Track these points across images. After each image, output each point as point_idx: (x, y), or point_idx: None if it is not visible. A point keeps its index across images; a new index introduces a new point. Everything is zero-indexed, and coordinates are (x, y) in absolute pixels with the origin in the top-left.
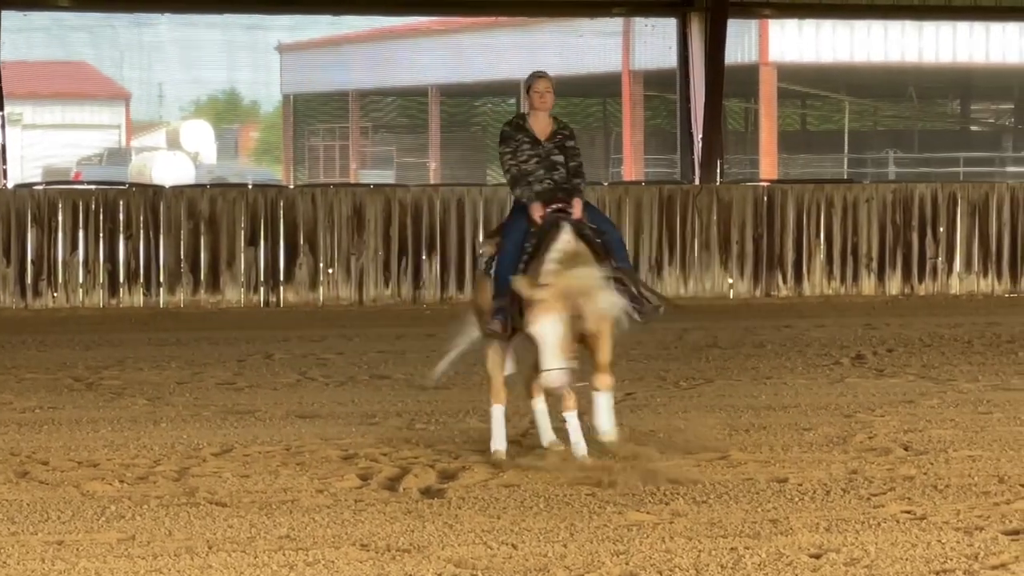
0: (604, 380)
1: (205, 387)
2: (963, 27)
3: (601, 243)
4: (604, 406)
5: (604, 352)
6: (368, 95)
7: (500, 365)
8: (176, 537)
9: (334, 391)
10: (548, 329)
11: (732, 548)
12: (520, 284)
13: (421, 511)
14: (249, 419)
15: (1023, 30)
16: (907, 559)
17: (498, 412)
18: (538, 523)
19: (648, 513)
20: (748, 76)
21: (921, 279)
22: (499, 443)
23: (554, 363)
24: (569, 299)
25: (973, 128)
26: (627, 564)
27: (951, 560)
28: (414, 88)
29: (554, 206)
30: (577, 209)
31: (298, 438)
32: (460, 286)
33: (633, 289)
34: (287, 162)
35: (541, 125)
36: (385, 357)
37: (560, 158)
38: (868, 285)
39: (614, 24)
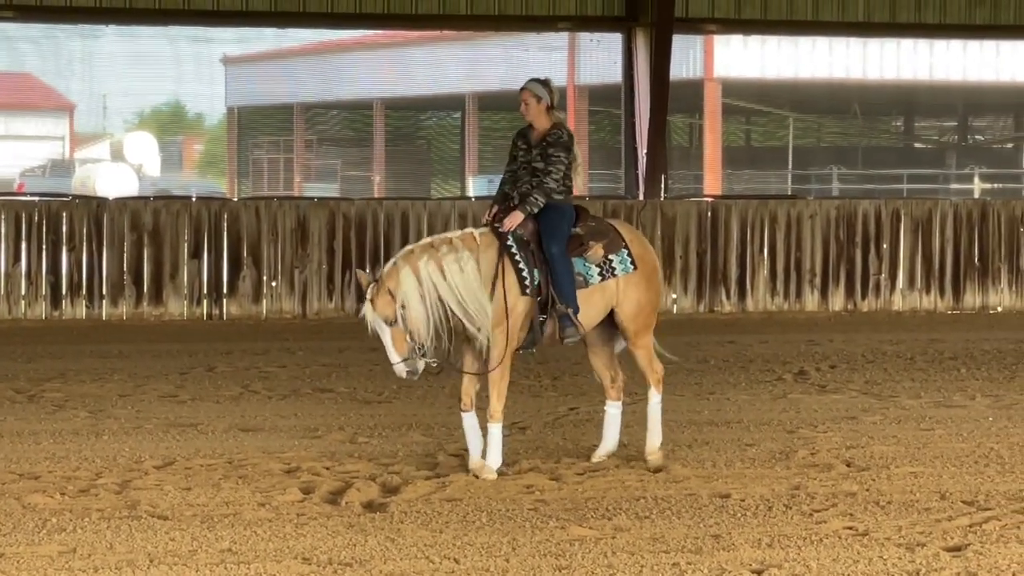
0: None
1: (147, 400)
2: (907, 44)
3: (524, 258)
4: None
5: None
6: (313, 108)
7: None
8: (117, 550)
9: (277, 404)
10: (376, 324)
11: (674, 563)
12: (359, 275)
13: (363, 525)
14: (191, 432)
15: (967, 48)
16: (849, 575)
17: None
18: (480, 537)
19: (590, 528)
20: (693, 92)
21: (864, 295)
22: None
23: (392, 358)
24: (391, 296)
25: (917, 145)
26: None
27: None
28: (359, 101)
29: (491, 216)
30: (508, 222)
31: (240, 451)
32: None
33: (561, 309)
34: (231, 175)
35: (539, 132)
36: (328, 371)
37: (540, 164)
38: (811, 301)
39: (559, 39)
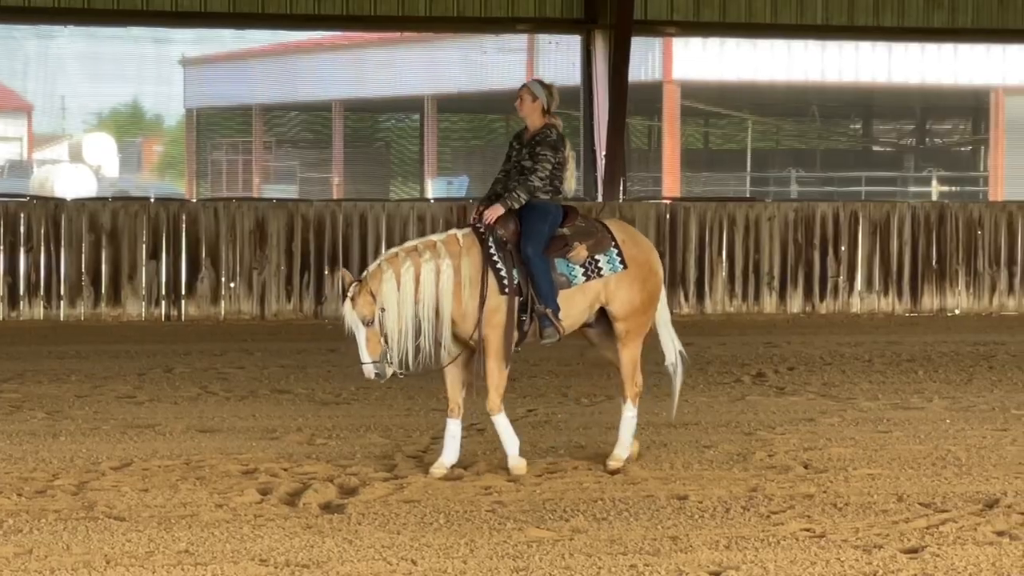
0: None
1: (105, 401)
2: (866, 47)
3: (502, 259)
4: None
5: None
6: (272, 110)
7: (456, 379)
8: (74, 552)
9: (235, 405)
10: (353, 323)
11: (632, 565)
12: (343, 273)
13: (321, 527)
14: (149, 433)
15: (925, 50)
16: None
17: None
18: (438, 539)
19: (548, 530)
20: (652, 94)
21: (822, 297)
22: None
23: (363, 357)
24: (372, 297)
25: (875, 148)
26: None
27: None
28: (318, 103)
29: (476, 214)
30: (488, 213)
31: (198, 452)
32: None
33: (540, 309)
34: (190, 176)
35: (531, 131)
36: (286, 372)
37: (528, 163)
38: (770, 303)
39: (518, 41)
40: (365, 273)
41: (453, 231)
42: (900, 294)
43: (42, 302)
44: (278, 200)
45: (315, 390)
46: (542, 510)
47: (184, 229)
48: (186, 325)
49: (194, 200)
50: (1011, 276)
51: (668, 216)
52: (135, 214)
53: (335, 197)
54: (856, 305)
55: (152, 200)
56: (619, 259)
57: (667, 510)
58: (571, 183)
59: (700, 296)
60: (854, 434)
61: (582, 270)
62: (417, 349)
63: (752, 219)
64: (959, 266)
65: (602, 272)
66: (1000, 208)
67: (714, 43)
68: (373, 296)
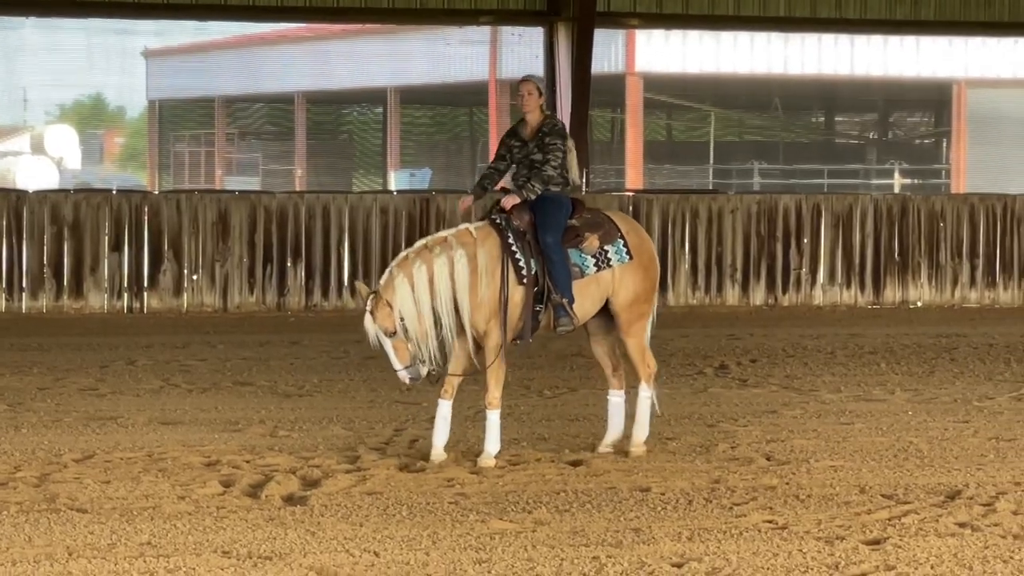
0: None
1: (67, 393)
2: (828, 39)
3: (520, 248)
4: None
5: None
6: (234, 102)
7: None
8: (36, 544)
9: (197, 398)
10: (377, 336)
11: (594, 557)
12: (359, 287)
13: (283, 518)
14: (111, 425)
15: (887, 43)
16: (768, 568)
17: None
18: (400, 531)
19: (511, 521)
20: (614, 86)
21: (785, 290)
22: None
23: (394, 365)
24: (390, 307)
25: (837, 140)
26: (489, 572)
27: (812, 570)
28: (280, 95)
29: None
30: (505, 201)
31: (160, 444)
32: (325, 294)
33: (556, 299)
34: (152, 168)
35: (531, 126)
36: (249, 364)
37: (538, 156)
38: (732, 295)
39: (481, 33)
40: (378, 284)
41: (464, 225)
42: (862, 286)
43: (4, 294)
44: (240, 192)
45: (277, 382)
46: (505, 502)
47: (146, 221)
48: (148, 317)
49: (156, 192)
50: (973, 269)
51: (631, 209)
52: (97, 206)
53: (297, 189)
54: (818, 297)
55: (115, 192)
56: (625, 250)
57: (630, 502)
58: (575, 173)
59: (663, 288)
60: (816, 426)
61: (593, 260)
62: (441, 343)
63: (715, 212)
64: (921, 258)
65: (611, 262)
66: (962, 200)
67: (677, 35)
68: (390, 306)
